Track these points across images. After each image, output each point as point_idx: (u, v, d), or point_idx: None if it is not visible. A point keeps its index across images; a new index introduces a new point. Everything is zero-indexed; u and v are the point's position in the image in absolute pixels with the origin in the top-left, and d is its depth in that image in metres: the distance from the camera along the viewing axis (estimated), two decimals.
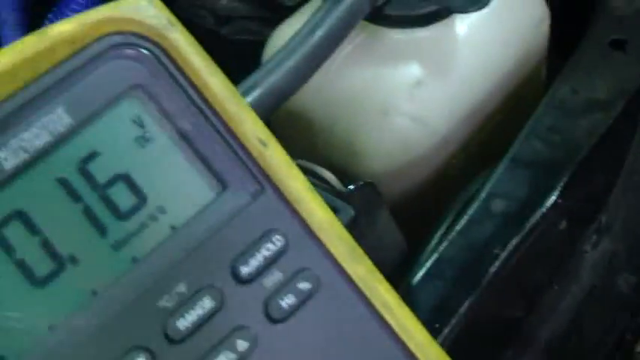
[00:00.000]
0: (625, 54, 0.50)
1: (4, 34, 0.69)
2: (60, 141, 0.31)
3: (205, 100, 0.33)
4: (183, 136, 0.32)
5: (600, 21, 0.51)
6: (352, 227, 0.35)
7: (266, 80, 0.41)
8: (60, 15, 0.58)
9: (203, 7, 0.62)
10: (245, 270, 0.31)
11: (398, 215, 0.45)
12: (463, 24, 0.50)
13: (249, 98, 0.40)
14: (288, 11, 0.57)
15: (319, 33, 0.44)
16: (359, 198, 0.41)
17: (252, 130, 0.33)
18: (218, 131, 0.32)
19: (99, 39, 0.32)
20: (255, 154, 0.32)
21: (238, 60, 0.56)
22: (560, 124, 0.47)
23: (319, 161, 0.48)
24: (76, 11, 0.58)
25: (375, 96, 0.48)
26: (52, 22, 0.59)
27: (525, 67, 0.52)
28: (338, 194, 0.40)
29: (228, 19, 0.63)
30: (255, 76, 0.41)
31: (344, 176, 0.48)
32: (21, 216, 0.30)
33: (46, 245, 0.31)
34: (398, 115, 0.48)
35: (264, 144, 0.32)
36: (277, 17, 0.58)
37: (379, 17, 0.48)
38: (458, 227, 0.43)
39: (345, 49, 0.49)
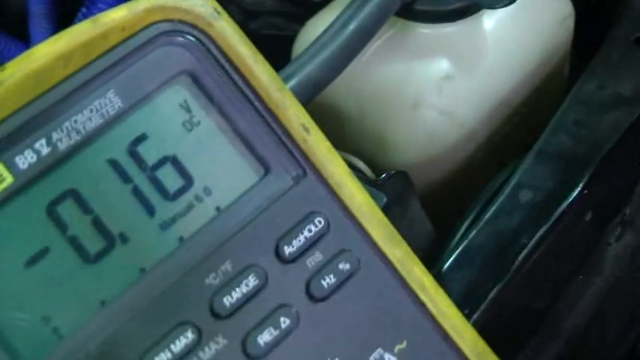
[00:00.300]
0: None
1: (32, 27, 0.70)
2: (111, 123, 0.32)
3: (250, 87, 0.34)
4: (229, 121, 0.33)
5: (625, 18, 0.52)
6: (384, 214, 0.36)
7: (302, 71, 0.42)
8: (94, 9, 0.59)
9: (232, 2, 0.63)
10: (288, 250, 0.32)
11: (424, 205, 0.46)
12: (490, 20, 0.51)
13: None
14: (315, 7, 0.58)
15: (352, 26, 0.45)
16: (391, 186, 0.42)
17: (296, 116, 0.34)
18: (262, 117, 0.34)
19: (149, 26, 0.33)
20: (298, 139, 0.34)
21: (265, 55, 0.58)
22: (585, 118, 0.48)
23: (349, 152, 0.49)
24: (110, 5, 0.59)
25: (404, 89, 0.49)
26: (85, 16, 0.60)
27: (549, 63, 0.53)
28: (371, 182, 0.41)
29: (256, 14, 0.64)
30: (292, 67, 0.42)
31: (373, 167, 0.49)
32: (74, 194, 0.32)
33: (98, 223, 0.32)
34: (427, 108, 0.49)
35: (306, 130, 0.34)
36: (304, 13, 0.59)
37: (409, 12, 0.49)
38: (486, 216, 0.44)
39: (375, 43, 0.50)
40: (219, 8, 0.34)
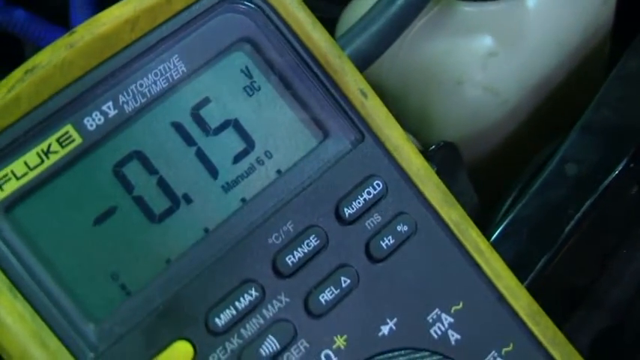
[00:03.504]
0: None
1: (73, 13, 0.71)
2: (174, 87, 0.33)
3: (309, 53, 0.34)
4: (288, 86, 0.34)
5: None
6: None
7: (352, 44, 0.43)
8: None
9: None
10: (348, 212, 0.33)
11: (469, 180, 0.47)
12: (533, 0, 0.51)
13: None
14: None
15: (400, 1, 0.45)
16: (440, 157, 0.42)
17: (354, 81, 0.34)
18: (321, 82, 0.34)
19: None
20: (356, 104, 0.34)
21: None
22: (629, 94, 0.48)
23: None
24: None
25: (448, 66, 0.50)
26: None
27: (591, 41, 0.54)
28: (421, 152, 0.42)
29: None
30: (342, 40, 0.43)
31: (422, 145, 0.50)
32: (139, 156, 0.32)
33: (162, 184, 0.32)
34: (470, 84, 0.50)
35: (364, 95, 0.34)
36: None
37: None
38: (533, 189, 0.44)
39: (420, 21, 0.50)
40: None
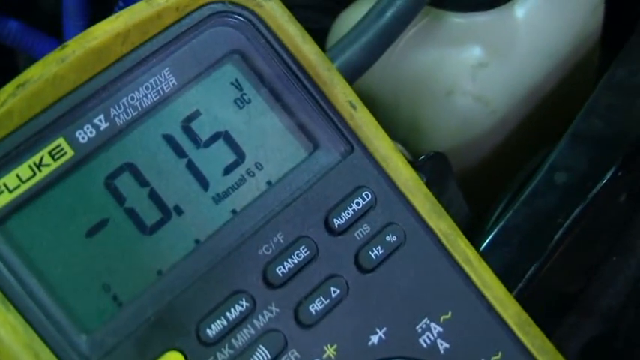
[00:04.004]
0: None
1: (66, 23, 0.71)
2: (165, 100, 0.34)
3: (299, 65, 0.35)
4: (278, 99, 0.35)
5: None
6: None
7: (342, 55, 0.43)
8: (130, 3, 0.60)
9: None
10: (337, 223, 0.34)
11: (459, 188, 0.47)
12: (522, 9, 0.52)
13: None
14: (346, 1, 0.60)
15: (389, 13, 0.46)
16: (430, 167, 0.43)
17: (343, 93, 0.35)
18: (311, 94, 0.35)
19: (201, 7, 0.34)
20: (345, 115, 0.35)
21: None
22: (618, 103, 0.49)
23: None
24: None
25: (438, 77, 0.51)
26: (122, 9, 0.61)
27: (580, 51, 0.54)
28: (411, 163, 0.42)
29: (288, 7, 0.65)
30: (332, 52, 0.43)
31: (411, 155, 0.50)
32: (131, 168, 0.33)
33: (154, 196, 0.33)
34: (460, 94, 0.50)
35: (354, 107, 0.35)
36: (335, 7, 0.60)
37: (442, 2, 0.50)
38: (522, 197, 0.45)
39: (409, 32, 0.51)
40: None
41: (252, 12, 0.35)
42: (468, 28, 0.51)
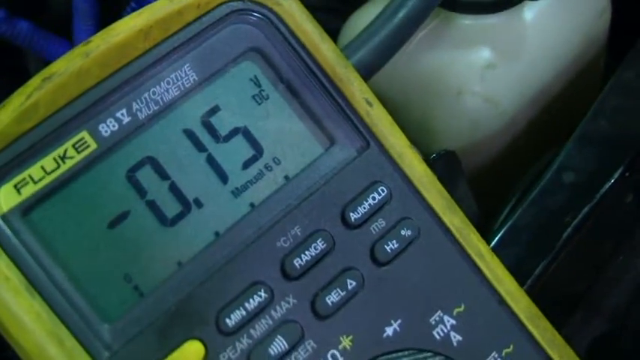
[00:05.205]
0: None
1: (76, 25, 0.72)
2: (186, 95, 0.34)
3: (316, 63, 0.35)
4: (296, 95, 0.35)
5: None
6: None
7: (355, 55, 0.44)
8: (144, 3, 0.61)
9: None
10: (353, 216, 0.34)
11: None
12: (531, 11, 0.52)
13: None
14: (356, 2, 0.60)
15: (401, 14, 0.46)
16: (441, 165, 0.44)
17: (360, 90, 0.36)
18: (328, 91, 0.35)
19: (221, 4, 0.35)
20: (361, 112, 0.35)
21: None
22: (624, 105, 0.49)
23: None
24: None
25: (448, 78, 0.51)
26: (134, 10, 0.62)
27: (587, 54, 0.55)
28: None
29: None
30: (345, 51, 0.44)
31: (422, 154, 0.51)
32: (152, 162, 0.34)
33: (174, 189, 0.34)
34: (470, 95, 0.51)
35: (370, 104, 0.35)
36: (346, 8, 0.61)
37: (452, 4, 0.50)
38: (531, 196, 0.46)
39: (420, 33, 0.52)
40: None
41: (271, 10, 0.35)
42: (478, 30, 0.52)
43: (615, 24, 0.57)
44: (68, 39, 0.71)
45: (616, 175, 0.46)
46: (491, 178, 0.53)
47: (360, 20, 0.54)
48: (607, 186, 0.46)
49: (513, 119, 0.52)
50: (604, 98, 0.49)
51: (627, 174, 0.46)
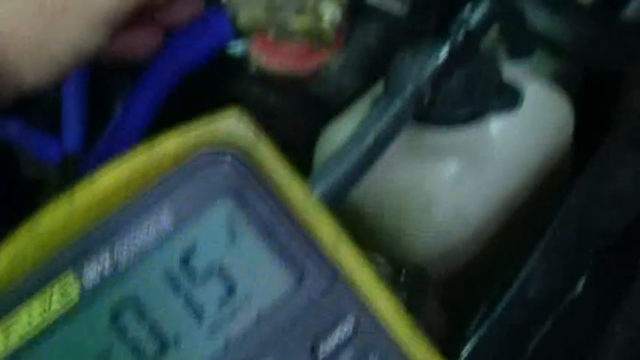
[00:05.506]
0: None
1: (65, 124, 0.75)
2: (165, 238, 0.37)
3: (288, 203, 0.38)
4: (268, 234, 0.38)
5: (623, 120, 0.57)
6: (408, 314, 0.41)
7: (325, 183, 0.47)
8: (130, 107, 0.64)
9: (253, 101, 0.68)
10: (323, 349, 0.37)
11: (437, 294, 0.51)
12: (498, 123, 0.55)
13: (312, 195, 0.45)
14: (333, 111, 0.63)
15: (371, 136, 0.49)
16: (411, 281, 0.46)
17: (329, 228, 0.38)
18: (298, 230, 0.38)
19: (198, 150, 0.38)
20: (330, 249, 0.38)
21: (286, 152, 0.63)
22: (586, 216, 0.52)
23: (368, 245, 0.53)
24: (143, 113, 0.64)
25: (418, 189, 0.54)
26: (120, 123, 0.65)
27: (552, 163, 0.58)
28: (392, 278, 0.46)
29: (277, 114, 0.69)
30: (314, 179, 0.47)
31: (390, 259, 0.54)
32: (133, 302, 0.36)
33: (154, 328, 0.36)
34: (440, 207, 0.53)
35: (339, 241, 0.38)
36: (324, 114, 0.64)
37: (422, 116, 0.53)
38: (496, 311, 0.48)
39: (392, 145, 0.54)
40: (261, 134, 0.38)
41: (245, 154, 0.38)
42: (446, 144, 0.55)
43: (580, 129, 0.60)
44: (57, 134, 0.73)
45: (579, 287, 0.48)
46: (459, 286, 0.55)
47: (335, 134, 0.57)
48: (570, 297, 0.48)
49: (481, 229, 0.54)
50: (566, 209, 0.52)
51: (590, 285, 0.48)
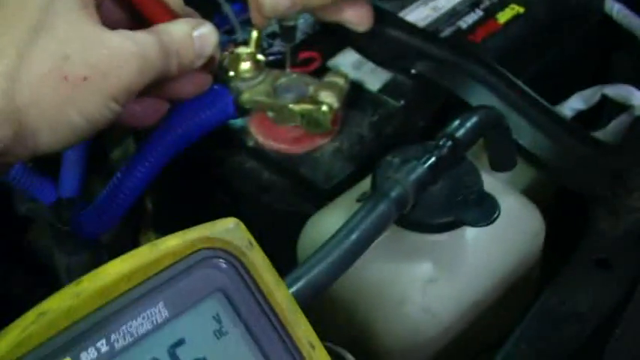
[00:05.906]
0: (608, 272, 0.59)
1: (63, 170, 0.79)
2: (157, 328, 0.41)
3: (271, 307, 0.42)
4: (251, 333, 0.42)
5: (589, 240, 0.61)
6: None
7: (308, 275, 0.50)
8: (129, 176, 0.67)
9: (247, 177, 0.72)
10: None
11: None
12: (472, 232, 0.60)
13: (294, 289, 0.49)
14: (323, 192, 0.67)
15: (354, 236, 0.53)
16: None
17: (305, 334, 0.42)
18: (278, 332, 0.42)
19: (195, 252, 0.42)
20: (304, 353, 0.42)
21: (275, 226, 0.67)
22: (545, 331, 0.56)
23: (342, 338, 0.57)
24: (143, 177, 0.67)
25: (393, 288, 0.58)
26: (120, 181, 0.68)
27: (521, 270, 0.62)
28: None
29: (269, 189, 0.73)
30: (299, 271, 0.51)
31: (362, 351, 0.57)
32: None
33: None
34: (411, 305, 0.57)
35: (312, 347, 0.42)
36: (313, 194, 0.68)
37: (403, 221, 0.57)
38: None
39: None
40: (254, 241, 0.42)
41: (236, 258, 0.42)
42: (424, 246, 0.59)
43: (550, 236, 0.64)
44: (54, 179, 0.77)
45: None
46: None
47: (320, 224, 0.61)
48: None
49: (449, 328, 0.58)
50: (528, 322, 0.56)
51: None
